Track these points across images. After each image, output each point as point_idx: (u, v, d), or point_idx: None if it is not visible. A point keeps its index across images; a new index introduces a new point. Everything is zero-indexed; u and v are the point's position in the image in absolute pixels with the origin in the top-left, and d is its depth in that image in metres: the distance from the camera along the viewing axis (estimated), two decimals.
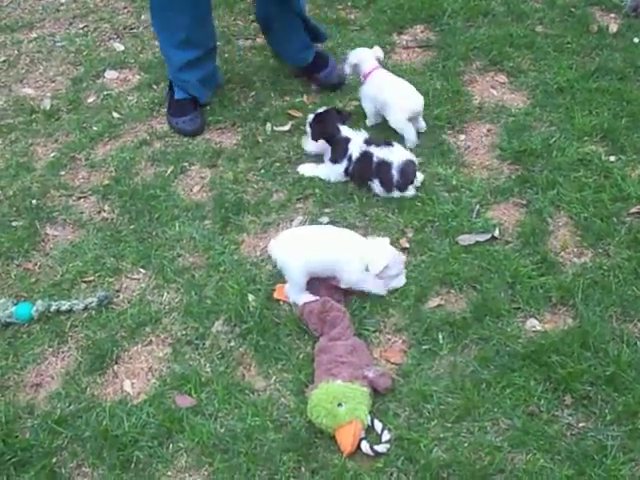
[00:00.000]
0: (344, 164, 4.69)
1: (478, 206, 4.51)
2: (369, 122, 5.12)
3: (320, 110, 4.84)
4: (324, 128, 4.75)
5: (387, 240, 4.08)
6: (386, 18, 6.18)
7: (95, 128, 5.39)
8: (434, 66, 5.61)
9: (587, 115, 5.05)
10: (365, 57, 5.10)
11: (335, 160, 4.72)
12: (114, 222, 4.67)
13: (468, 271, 4.12)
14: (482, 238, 4.31)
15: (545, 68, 5.52)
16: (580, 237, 4.30)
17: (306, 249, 3.96)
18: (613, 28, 5.86)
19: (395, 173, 4.54)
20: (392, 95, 4.94)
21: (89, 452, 3.54)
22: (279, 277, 4.19)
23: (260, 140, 5.14)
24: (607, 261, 4.15)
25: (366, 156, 4.63)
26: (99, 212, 4.76)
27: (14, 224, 4.72)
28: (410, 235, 4.36)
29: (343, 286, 4.02)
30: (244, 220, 4.58)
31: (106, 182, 4.96)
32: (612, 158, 4.74)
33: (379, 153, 4.59)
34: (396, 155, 4.59)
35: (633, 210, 4.39)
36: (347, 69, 5.15)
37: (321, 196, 4.66)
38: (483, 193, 4.59)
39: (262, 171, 4.91)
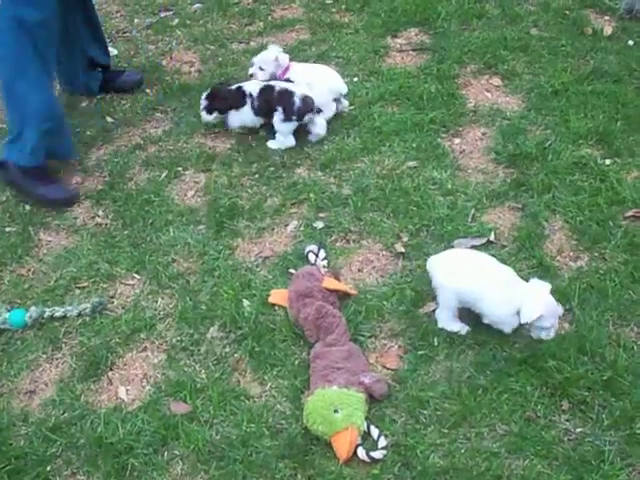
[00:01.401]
0: (248, 102, 5.06)
1: (473, 210, 4.50)
2: None
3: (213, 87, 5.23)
4: (215, 103, 5.18)
5: (548, 287, 3.73)
6: (380, 21, 6.19)
7: (88, 133, 5.37)
8: (428, 69, 5.61)
9: (582, 118, 5.05)
10: (278, 55, 5.32)
11: (236, 107, 5.11)
12: (108, 227, 4.66)
13: None
14: (478, 242, 4.30)
15: (540, 71, 5.54)
16: (576, 241, 4.29)
17: (462, 277, 3.77)
18: (608, 30, 5.87)
19: (297, 100, 4.96)
20: (318, 78, 5.23)
21: (84, 460, 3.51)
22: (274, 282, 4.19)
23: (254, 144, 5.12)
24: (603, 265, 4.13)
25: (268, 88, 5.07)
26: (93, 217, 4.74)
27: (7, 230, 4.69)
28: (405, 239, 4.35)
29: (485, 321, 3.85)
30: (238, 225, 4.57)
31: (100, 187, 4.94)
32: (607, 161, 4.74)
33: (281, 85, 5.08)
34: (297, 88, 5.04)
35: (629, 214, 4.38)
36: (261, 74, 5.31)
37: (316, 201, 4.64)
38: (478, 197, 4.58)
39: (256, 176, 4.90)
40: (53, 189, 4.89)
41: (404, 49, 5.91)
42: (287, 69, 5.28)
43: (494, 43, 5.79)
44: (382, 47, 5.92)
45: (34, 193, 4.84)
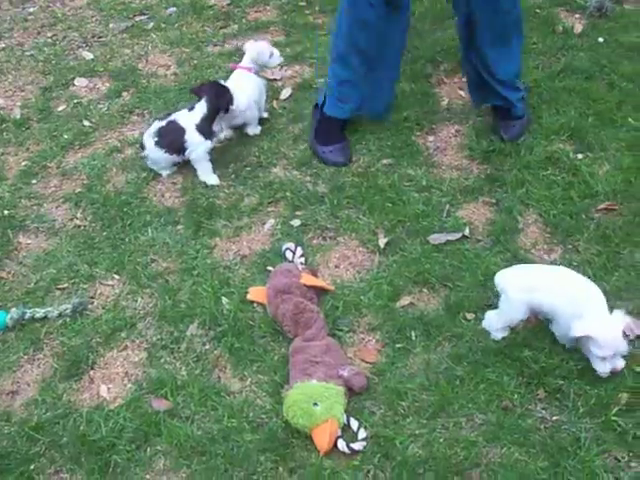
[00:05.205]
0: None
1: (448, 206, 4.54)
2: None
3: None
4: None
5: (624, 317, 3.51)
6: None
7: (66, 136, 5.40)
8: (402, 69, 5.62)
9: (554, 114, 5.10)
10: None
11: None
12: (87, 229, 4.68)
13: (440, 270, 4.16)
14: (453, 237, 4.34)
15: None
16: (550, 234, 4.34)
17: (537, 292, 3.65)
18: (578, 28, 5.92)
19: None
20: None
21: (67, 458, 3.54)
22: (252, 279, 4.23)
23: (231, 144, 5.15)
24: (577, 257, 4.18)
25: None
26: (72, 219, 4.76)
27: None
28: (381, 236, 4.39)
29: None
30: (216, 224, 4.60)
31: (78, 190, 4.96)
32: (580, 156, 4.78)
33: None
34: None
35: (601, 207, 4.43)
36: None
37: (292, 199, 4.68)
38: (453, 193, 4.63)
39: (233, 176, 4.93)
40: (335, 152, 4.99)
41: None
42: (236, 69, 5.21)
43: None
44: None
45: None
